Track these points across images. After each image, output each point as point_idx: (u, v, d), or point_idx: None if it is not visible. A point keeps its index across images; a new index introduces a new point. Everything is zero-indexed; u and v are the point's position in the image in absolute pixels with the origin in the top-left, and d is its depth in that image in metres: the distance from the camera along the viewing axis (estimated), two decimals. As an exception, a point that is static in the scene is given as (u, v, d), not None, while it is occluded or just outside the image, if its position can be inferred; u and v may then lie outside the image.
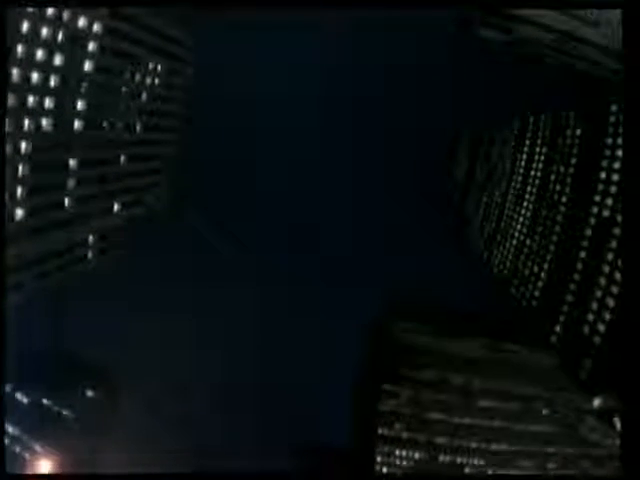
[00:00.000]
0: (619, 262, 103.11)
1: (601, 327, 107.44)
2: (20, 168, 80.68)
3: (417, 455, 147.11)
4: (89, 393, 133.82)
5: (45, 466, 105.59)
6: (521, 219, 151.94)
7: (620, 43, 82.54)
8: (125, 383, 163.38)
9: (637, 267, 48.79)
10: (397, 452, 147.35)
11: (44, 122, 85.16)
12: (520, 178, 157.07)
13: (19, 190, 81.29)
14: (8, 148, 77.24)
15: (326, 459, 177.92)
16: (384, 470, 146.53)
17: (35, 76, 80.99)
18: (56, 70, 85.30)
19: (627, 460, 45.22)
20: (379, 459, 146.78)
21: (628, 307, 49.55)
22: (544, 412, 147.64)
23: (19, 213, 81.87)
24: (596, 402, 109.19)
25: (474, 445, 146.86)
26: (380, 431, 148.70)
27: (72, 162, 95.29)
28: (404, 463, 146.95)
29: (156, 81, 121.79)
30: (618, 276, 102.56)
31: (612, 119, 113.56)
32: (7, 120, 76.08)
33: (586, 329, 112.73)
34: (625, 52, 65.55)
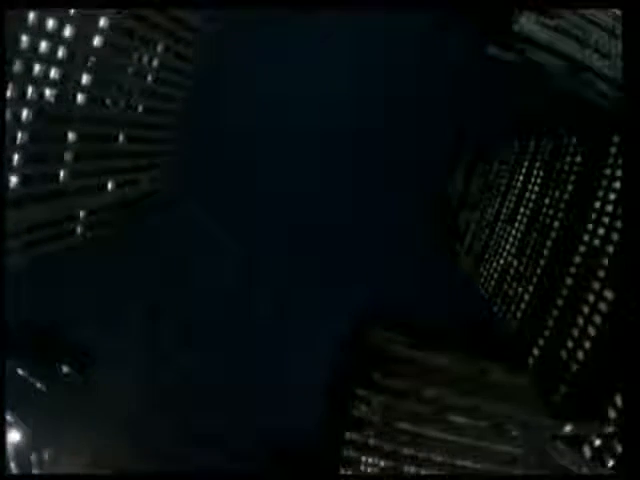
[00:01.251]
0: (605, 292, 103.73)
1: (580, 354, 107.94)
2: (19, 135, 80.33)
3: (382, 463, 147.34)
4: (65, 368, 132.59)
5: (14, 436, 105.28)
6: (511, 239, 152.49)
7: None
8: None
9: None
10: (362, 458, 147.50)
11: (47, 92, 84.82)
12: (514, 198, 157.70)
13: (15, 157, 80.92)
14: (9, 114, 76.92)
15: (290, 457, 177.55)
16: (347, 474, 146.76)
17: (43, 45, 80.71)
18: (64, 42, 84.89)
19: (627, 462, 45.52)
20: (343, 463, 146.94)
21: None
22: (514, 433, 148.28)
23: (13, 180, 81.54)
24: (567, 428, 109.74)
25: (439, 459, 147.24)
26: (347, 435, 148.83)
27: (71, 135, 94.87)
28: (368, 470, 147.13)
29: (163, 64, 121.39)
30: (602, 306, 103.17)
31: (613, 150, 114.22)
32: (11, 86, 75.83)
33: (564, 355, 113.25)
34: (625, 52, 65.28)
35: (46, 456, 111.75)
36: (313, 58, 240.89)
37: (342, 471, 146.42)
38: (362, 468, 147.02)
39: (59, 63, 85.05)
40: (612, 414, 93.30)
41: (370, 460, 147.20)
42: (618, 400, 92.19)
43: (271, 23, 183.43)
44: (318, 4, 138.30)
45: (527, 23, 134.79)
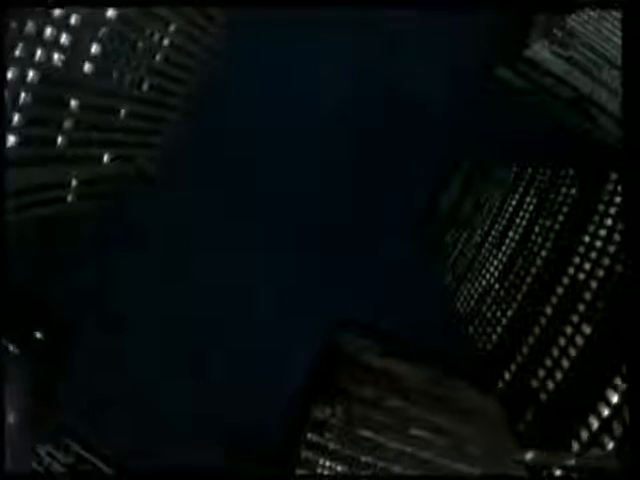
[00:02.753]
0: (583, 326, 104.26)
1: (550, 384, 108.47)
2: (22, 96, 79.63)
3: (339, 468, 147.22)
4: (38, 334, 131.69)
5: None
6: (496, 262, 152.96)
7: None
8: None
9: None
10: (320, 461, 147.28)
11: (56, 57, 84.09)
12: (504, 222, 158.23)
13: (16, 118, 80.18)
14: (14, 74, 76.24)
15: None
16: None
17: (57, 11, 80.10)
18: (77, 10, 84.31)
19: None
20: (300, 463, 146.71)
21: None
22: (475, 453, 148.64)
23: (11, 140, 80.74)
24: (529, 456, 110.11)
25: (397, 470, 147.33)
26: (308, 436, 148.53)
27: (73, 103, 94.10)
28: (324, 472, 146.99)
29: (174, 45, 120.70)
30: (579, 339, 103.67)
31: (609, 187, 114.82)
32: (20, 46, 75.20)
33: (534, 383, 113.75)
34: (625, 53, 64.77)
35: (11, 419, 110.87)
36: (313, 58, 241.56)
37: (298, 471, 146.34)
38: (318, 470, 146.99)
39: (71, 29, 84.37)
40: (575, 446, 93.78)
41: (327, 463, 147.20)
42: (583, 433, 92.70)
43: (271, 23, 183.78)
44: (318, 4, 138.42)
45: (540, 50, 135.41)
